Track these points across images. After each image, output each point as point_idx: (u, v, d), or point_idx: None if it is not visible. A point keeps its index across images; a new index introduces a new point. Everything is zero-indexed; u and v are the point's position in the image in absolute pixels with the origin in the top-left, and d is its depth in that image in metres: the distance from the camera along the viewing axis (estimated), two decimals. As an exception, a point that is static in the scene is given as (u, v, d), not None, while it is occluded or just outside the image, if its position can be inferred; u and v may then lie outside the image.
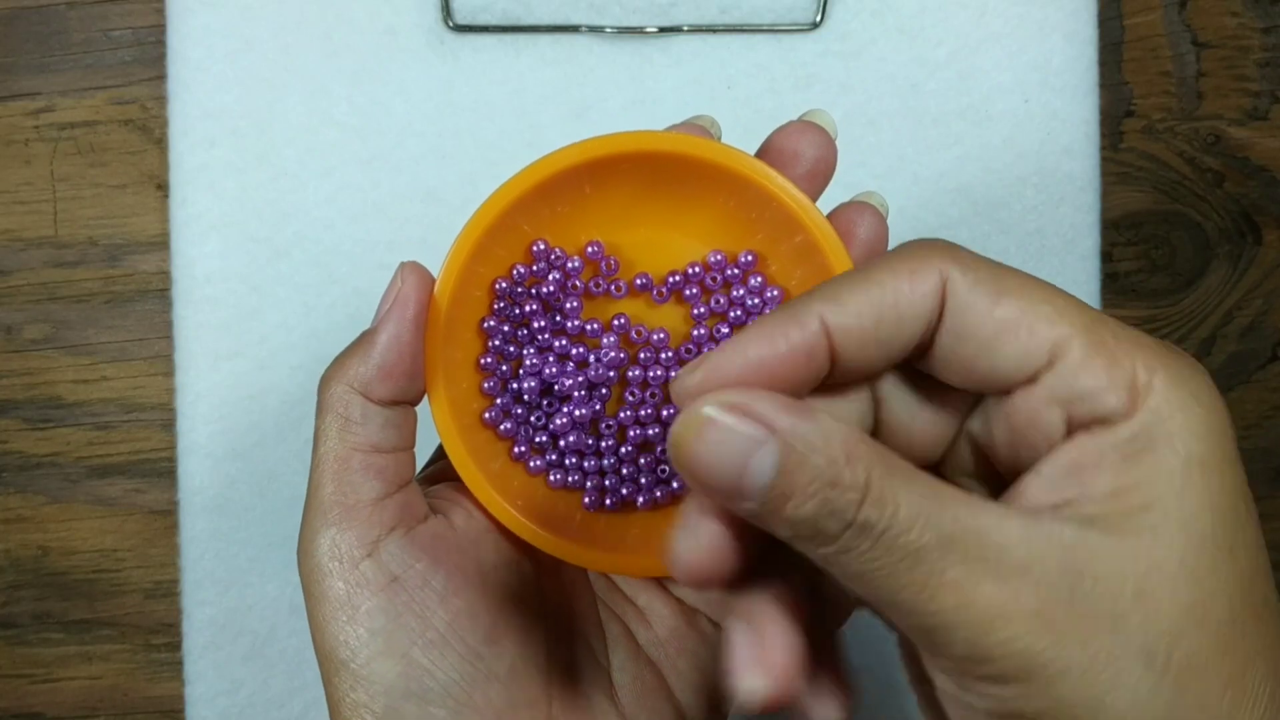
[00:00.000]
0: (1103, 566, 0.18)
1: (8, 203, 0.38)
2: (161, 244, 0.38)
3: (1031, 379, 0.20)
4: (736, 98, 0.38)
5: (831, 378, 0.20)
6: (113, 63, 0.39)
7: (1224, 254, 0.40)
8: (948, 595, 0.18)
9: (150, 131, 0.38)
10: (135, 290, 0.39)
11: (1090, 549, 0.18)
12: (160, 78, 0.38)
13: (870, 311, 0.20)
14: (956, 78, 0.38)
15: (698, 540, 0.20)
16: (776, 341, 0.20)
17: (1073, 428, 0.20)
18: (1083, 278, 0.38)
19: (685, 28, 0.37)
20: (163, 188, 0.38)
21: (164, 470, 0.39)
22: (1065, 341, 0.19)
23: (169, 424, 0.38)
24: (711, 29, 0.37)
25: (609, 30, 0.37)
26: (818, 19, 0.37)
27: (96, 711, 0.39)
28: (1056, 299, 0.20)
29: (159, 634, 0.39)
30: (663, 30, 0.37)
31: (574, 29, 0.37)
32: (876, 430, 0.22)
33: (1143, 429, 0.19)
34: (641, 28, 0.37)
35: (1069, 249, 0.38)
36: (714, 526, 0.20)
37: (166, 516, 0.39)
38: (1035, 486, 0.20)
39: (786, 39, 0.38)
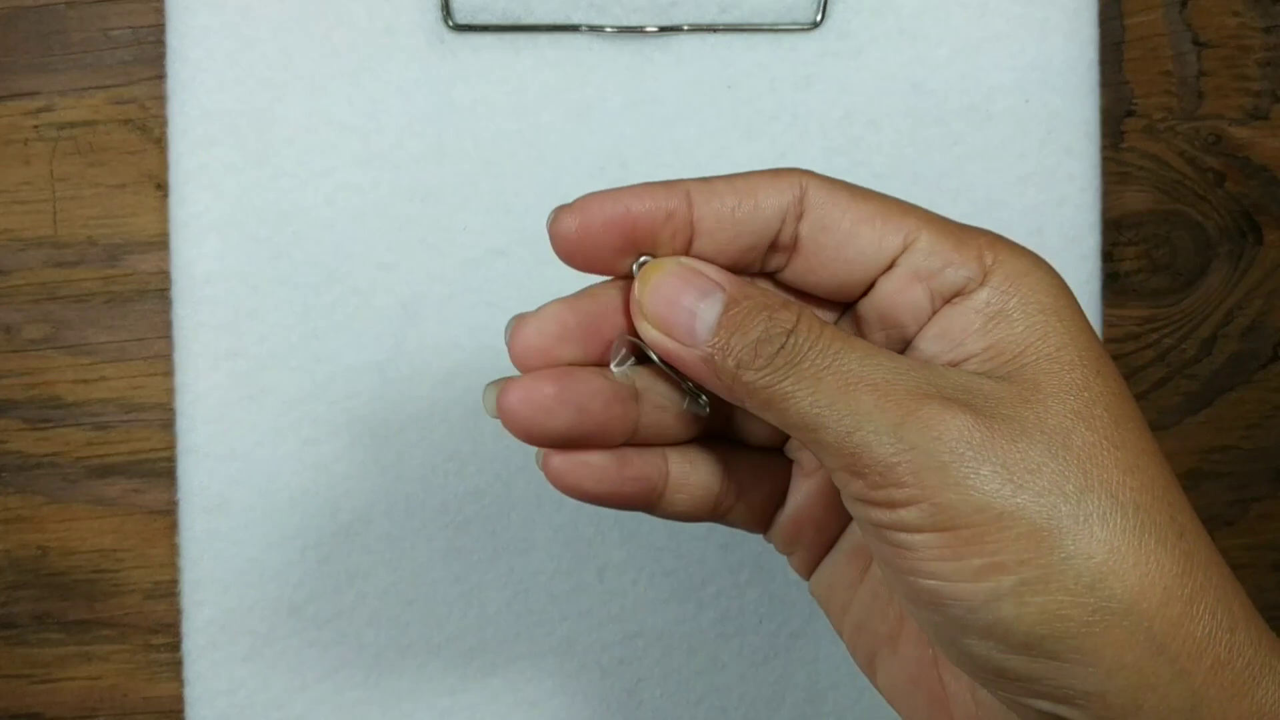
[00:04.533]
0: (991, 389, 0.22)
1: (7, 202, 0.38)
2: (161, 244, 0.38)
3: (890, 265, 0.23)
4: (737, 97, 0.38)
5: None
6: (112, 62, 0.38)
7: (1225, 254, 0.40)
8: (864, 395, 0.21)
9: (150, 131, 0.38)
10: (134, 290, 0.39)
11: (979, 383, 0.22)
12: (160, 77, 0.38)
13: (730, 193, 0.23)
14: (957, 77, 0.38)
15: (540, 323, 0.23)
16: (644, 198, 0.23)
17: (936, 305, 0.23)
18: (1084, 277, 0.38)
19: (685, 27, 0.37)
20: (162, 187, 0.38)
21: (163, 470, 0.38)
22: (916, 228, 0.23)
23: (168, 424, 0.38)
24: (712, 28, 0.37)
25: (609, 30, 0.37)
26: (818, 18, 0.37)
27: (96, 712, 0.39)
28: (904, 203, 0.24)
29: (158, 634, 0.39)
30: (663, 30, 0.37)
31: (574, 28, 0.37)
32: None
33: (998, 293, 0.23)
34: (641, 27, 0.37)
35: (1070, 248, 0.38)
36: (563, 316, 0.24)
37: (166, 516, 0.39)
38: (915, 356, 0.23)
39: (787, 38, 0.38)
